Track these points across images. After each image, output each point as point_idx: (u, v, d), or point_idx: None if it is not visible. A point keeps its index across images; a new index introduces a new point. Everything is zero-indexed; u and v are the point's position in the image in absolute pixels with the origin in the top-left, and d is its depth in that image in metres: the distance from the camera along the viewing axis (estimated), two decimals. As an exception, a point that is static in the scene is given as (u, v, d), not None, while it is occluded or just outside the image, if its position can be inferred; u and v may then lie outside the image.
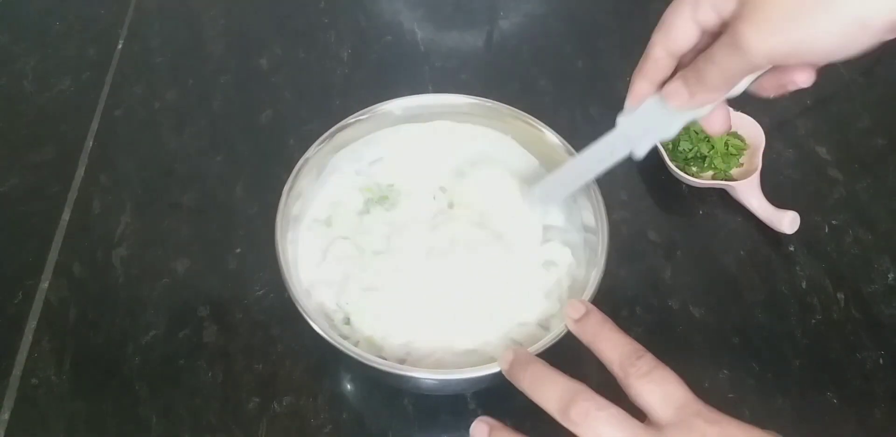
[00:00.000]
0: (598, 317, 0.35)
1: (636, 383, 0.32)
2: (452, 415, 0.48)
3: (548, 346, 0.38)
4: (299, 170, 0.44)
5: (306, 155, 0.44)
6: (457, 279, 0.43)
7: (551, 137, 0.46)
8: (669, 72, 0.36)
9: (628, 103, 0.37)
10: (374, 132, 0.48)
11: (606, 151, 0.39)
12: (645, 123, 0.37)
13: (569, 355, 0.36)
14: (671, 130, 0.37)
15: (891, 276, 0.55)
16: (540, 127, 0.46)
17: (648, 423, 0.32)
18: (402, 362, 0.42)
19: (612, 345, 0.34)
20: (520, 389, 0.34)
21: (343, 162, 0.48)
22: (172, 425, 0.47)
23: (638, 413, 0.32)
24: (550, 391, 0.33)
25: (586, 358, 0.35)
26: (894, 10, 0.27)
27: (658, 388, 0.32)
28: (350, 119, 0.46)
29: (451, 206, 0.48)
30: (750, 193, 0.57)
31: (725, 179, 0.58)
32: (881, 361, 0.51)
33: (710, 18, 0.32)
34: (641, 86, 0.36)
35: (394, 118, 0.48)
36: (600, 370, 0.34)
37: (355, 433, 0.47)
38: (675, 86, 0.35)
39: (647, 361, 0.32)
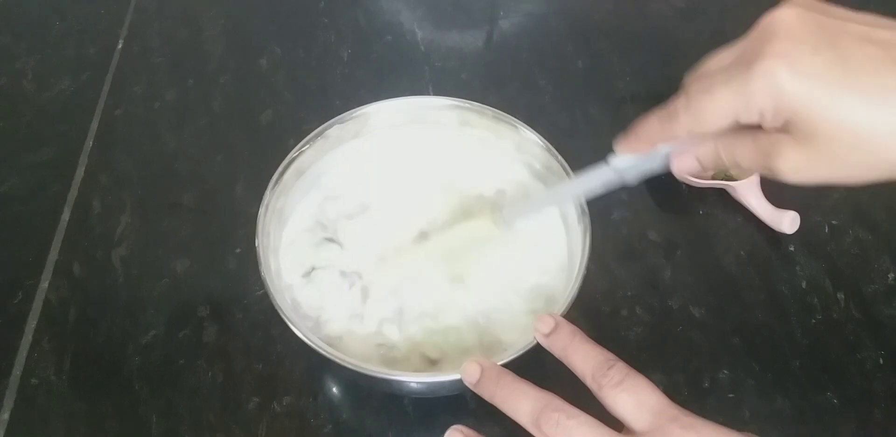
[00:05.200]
0: (567, 329, 0.35)
1: (610, 393, 0.32)
2: (452, 415, 0.48)
3: (513, 358, 0.37)
4: (264, 217, 0.43)
5: (265, 201, 0.43)
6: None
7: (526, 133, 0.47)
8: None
9: (621, 151, 0.36)
10: (322, 157, 0.48)
11: (598, 184, 0.39)
12: (635, 161, 0.37)
13: (534, 366, 0.36)
14: (662, 164, 0.37)
15: (891, 276, 0.55)
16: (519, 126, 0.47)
17: (626, 432, 0.32)
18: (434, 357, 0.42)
19: (583, 357, 0.34)
20: (489, 402, 0.34)
21: (304, 197, 0.48)
22: (172, 425, 0.47)
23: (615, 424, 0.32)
24: (521, 403, 0.33)
25: (551, 368, 0.35)
26: None
27: (631, 397, 0.32)
28: (293, 152, 0.46)
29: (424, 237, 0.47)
30: (750, 193, 0.57)
31: (725, 179, 0.58)
32: (881, 361, 0.51)
33: (751, 122, 0.30)
34: (643, 147, 0.35)
35: (333, 140, 0.48)
36: (569, 380, 0.33)
37: (355, 434, 0.47)
38: (689, 160, 0.34)
39: (619, 370, 0.32)
